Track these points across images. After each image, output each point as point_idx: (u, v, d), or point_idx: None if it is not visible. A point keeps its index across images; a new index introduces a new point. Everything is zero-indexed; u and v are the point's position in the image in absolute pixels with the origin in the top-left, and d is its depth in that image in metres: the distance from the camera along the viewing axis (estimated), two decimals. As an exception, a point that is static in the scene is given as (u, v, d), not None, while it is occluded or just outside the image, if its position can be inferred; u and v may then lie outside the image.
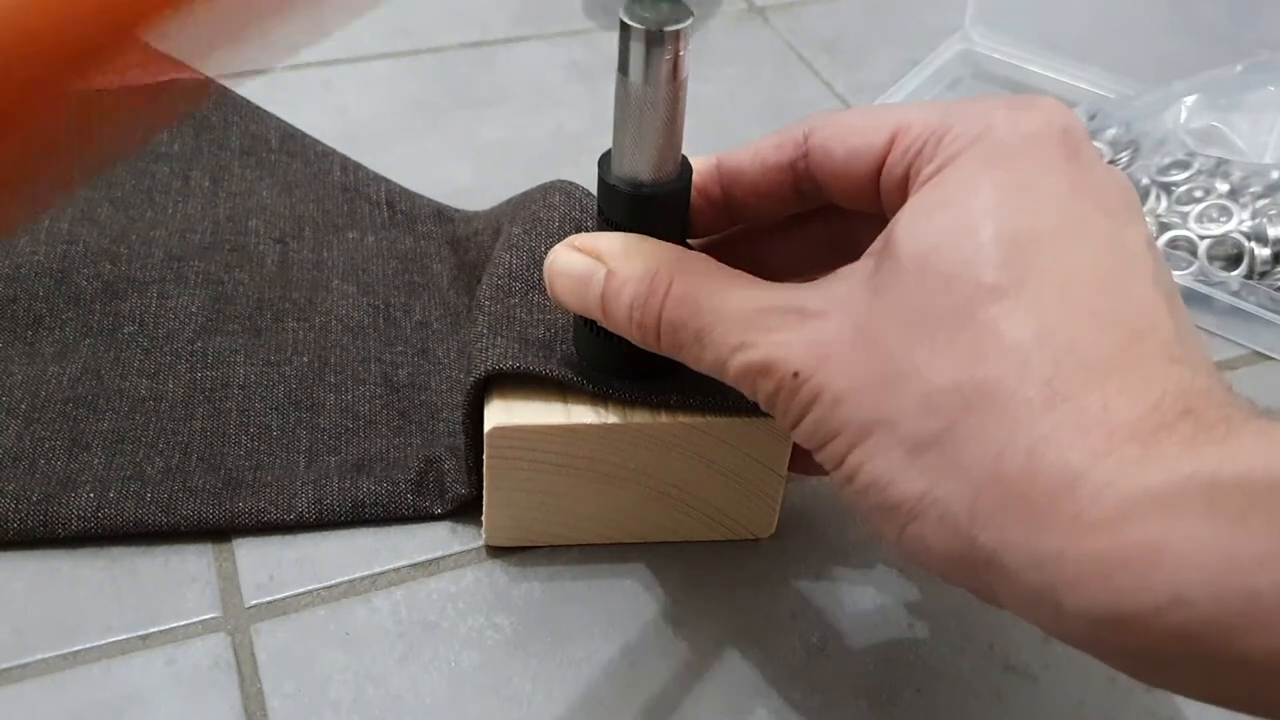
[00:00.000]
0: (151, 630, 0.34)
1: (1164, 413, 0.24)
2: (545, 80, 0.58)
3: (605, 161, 0.32)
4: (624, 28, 0.29)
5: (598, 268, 0.31)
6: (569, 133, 0.55)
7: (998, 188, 0.27)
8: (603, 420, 0.34)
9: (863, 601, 0.36)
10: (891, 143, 0.29)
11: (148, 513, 0.36)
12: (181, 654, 0.34)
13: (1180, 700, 0.34)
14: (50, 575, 0.35)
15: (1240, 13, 0.58)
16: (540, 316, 0.36)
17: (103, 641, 0.34)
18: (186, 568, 0.36)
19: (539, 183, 0.43)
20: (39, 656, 0.33)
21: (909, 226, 0.28)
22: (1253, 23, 0.57)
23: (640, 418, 0.34)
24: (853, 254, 0.30)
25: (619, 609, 0.36)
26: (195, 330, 0.41)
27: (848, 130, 0.31)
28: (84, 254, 0.43)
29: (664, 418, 0.34)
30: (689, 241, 0.34)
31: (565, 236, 0.37)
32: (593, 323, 0.32)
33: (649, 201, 0.31)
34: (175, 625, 0.34)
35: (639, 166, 0.31)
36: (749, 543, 0.37)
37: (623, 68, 0.30)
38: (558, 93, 0.57)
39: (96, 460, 0.37)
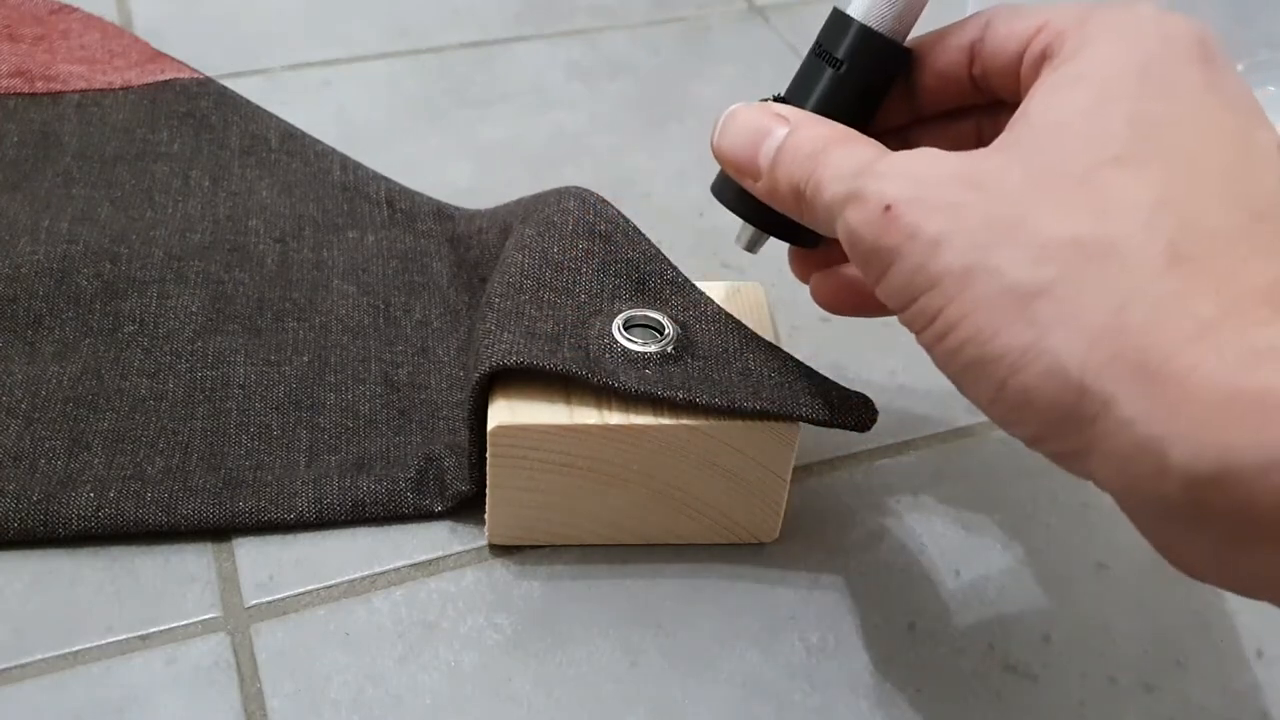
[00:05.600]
0: (151, 630, 0.34)
1: None
2: (545, 80, 0.58)
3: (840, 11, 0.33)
4: None
5: (782, 124, 0.31)
6: (569, 133, 0.54)
7: (1135, 72, 0.27)
8: (605, 421, 0.34)
9: (863, 601, 0.36)
10: (1041, 28, 0.30)
11: (148, 512, 0.36)
12: (181, 654, 0.34)
13: (1180, 701, 0.34)
14: (50, 575, 0.35)
15: (1240, 12, 0.58)
16: (549, 313, 0.36)
17: (103, 641, 0.34)
18: (186, 568, 0.36)
19: (539, 183, 0.43)
20: (39, 656, 0.33)
21: (1043, 97, 0.27)
22: (1253, 22, 0.57)
23: (643, 419, 0.34)
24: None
25: (619, 609, 0.36)
26: (195, 330, 0.41)
27: (1013, 16, 0.31)
28: (84, 254, 0.43)
29: (667, 419, 0.34)
30: None
31: (579, 240, 0.37)
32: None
33: (881, 48, 0.32)
34: (175, 625, 0.34)
35: (887, 12, 0.32)
36: (750, 544, 0.37)
37: None
38: (558, 93, 0.57)
39: (96, 460, 0.37)
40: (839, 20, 0.32)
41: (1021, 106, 0.28)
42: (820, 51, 0.32)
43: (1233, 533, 0.23)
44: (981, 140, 0.34)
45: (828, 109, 0.32)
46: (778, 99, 0.33)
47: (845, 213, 0.28)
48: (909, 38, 0.33)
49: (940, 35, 0.33)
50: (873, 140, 0.30)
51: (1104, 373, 0.24)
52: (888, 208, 0.27)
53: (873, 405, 0.35)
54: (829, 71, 0.32)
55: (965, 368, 0.26)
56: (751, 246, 0.35)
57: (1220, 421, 0.22)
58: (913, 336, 0.28)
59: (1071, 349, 0.24)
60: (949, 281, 0.26)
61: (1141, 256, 0.24)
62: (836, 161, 0.29)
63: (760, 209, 0.33)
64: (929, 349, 0.27)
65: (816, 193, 0.29)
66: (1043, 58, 0.29)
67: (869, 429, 0.35)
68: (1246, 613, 0.37)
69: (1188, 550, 0.24)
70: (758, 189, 0.32)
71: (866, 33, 0.32)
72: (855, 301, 0.35)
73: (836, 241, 0.29)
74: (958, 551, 0.38)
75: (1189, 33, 0.28)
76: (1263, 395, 0.22)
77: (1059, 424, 0.25)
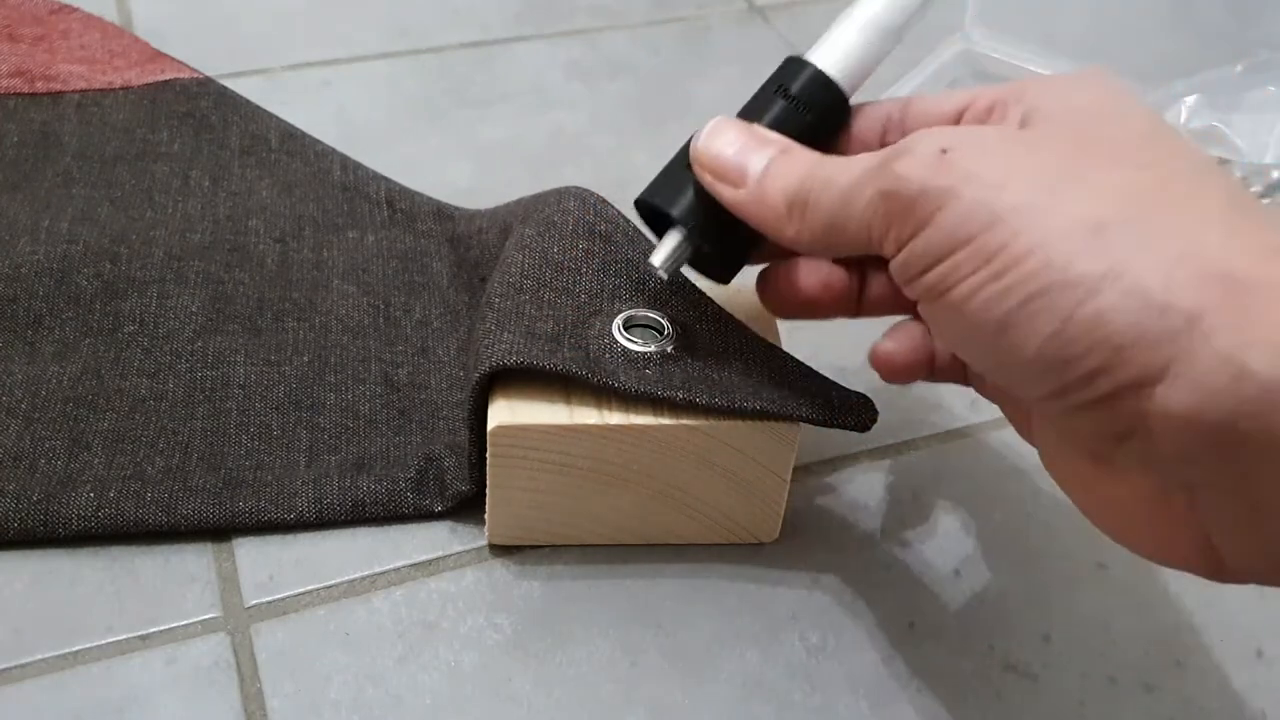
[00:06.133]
0: (151, 630, 0.34)
1: None
2: (545, 80, 0.58)
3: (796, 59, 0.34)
4: None
5: (773, 144, 0.32)
6: (569, 133, 0.54)
7: (1105, 106, 0.29)
8: (605, 421, 0.34)
9: (863, 601, 0.36)
10: (972, 100, 0.32)
11: (148, 512, 0.36)
12: (181, 654, 0.34)
13: (1180, 701, 0.34)
14: (50, 575, 0.35)
15: (1240, 12, 0.58)
16: (549, 313, 0.36)
17: (103, 641, 0.34)
18: (186, 568, 0.36)
19: (539, 183, 0.43)
20: (39, 656, 0.33)
21: (1047, 98, 0.29)
22: (1253, 22, 0.57)
23: (643, 419, 0.34)
24: None
25: (619, 609, 0.36)
26: (195, 330, 0.41)
27: (937, 95, 0.33)
28: (84, 254, 0.43)
29: (667, 419, 0.34)
30: None
31: (579, 240, 0.38)
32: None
33: (834, 92, 0.33)
34: (175, 625, 0.34)
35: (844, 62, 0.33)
36: (750, 544, 0.37)
37: None
38: (558, 93, 0.57)
39: (96, 460, 0.37)
40: (797, 64, 0.33)
41: (1028, 104, 0.29)
42: (776, 88, 0.33)
43: None
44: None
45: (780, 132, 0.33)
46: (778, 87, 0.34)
47: (893, 165, 0.27)
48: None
49: (858, 106, 0.34)
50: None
51: (1189, 287, 0.24)
52: (944, 150, 0.27)
53: (873, 405, 0.35)
54: (782, 103, 0.33)
55: (1025, 302, 0.25)
56: (674, 265, 0.34)
57: None
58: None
59: (1155, 270, 0.24)
60: (1015, 217, 0.25)
61: (1203, 201, 0.25)
62: (847, 163, 0.30)
63: (704, 217, 0.33)
64: (972, 296, 0.26)
65: (827, 186, 0.29)
66: (989, 114, 0.31)
67: (869, 429, 0.35)
68: (1246, 613, 0.37)
69: (1226, 506, 0.25)
70: (736, 195, 0.32)
71: (823, 78, 0.33)
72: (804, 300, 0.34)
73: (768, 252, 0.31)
74: (958, 551, 0.38)
75: (1122, 84, 0.30)
76: None
77: (1133, 348, 0.24)
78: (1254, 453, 0.23)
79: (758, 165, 0.31)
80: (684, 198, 0.33)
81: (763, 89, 0.34)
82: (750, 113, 0.33)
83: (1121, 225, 0.25)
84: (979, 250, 0.26)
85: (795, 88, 0.33)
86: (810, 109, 0.33)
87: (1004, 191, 0.26)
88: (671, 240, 0.34)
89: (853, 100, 0.34)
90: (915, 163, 0.27)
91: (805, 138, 0.33)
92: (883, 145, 0.33)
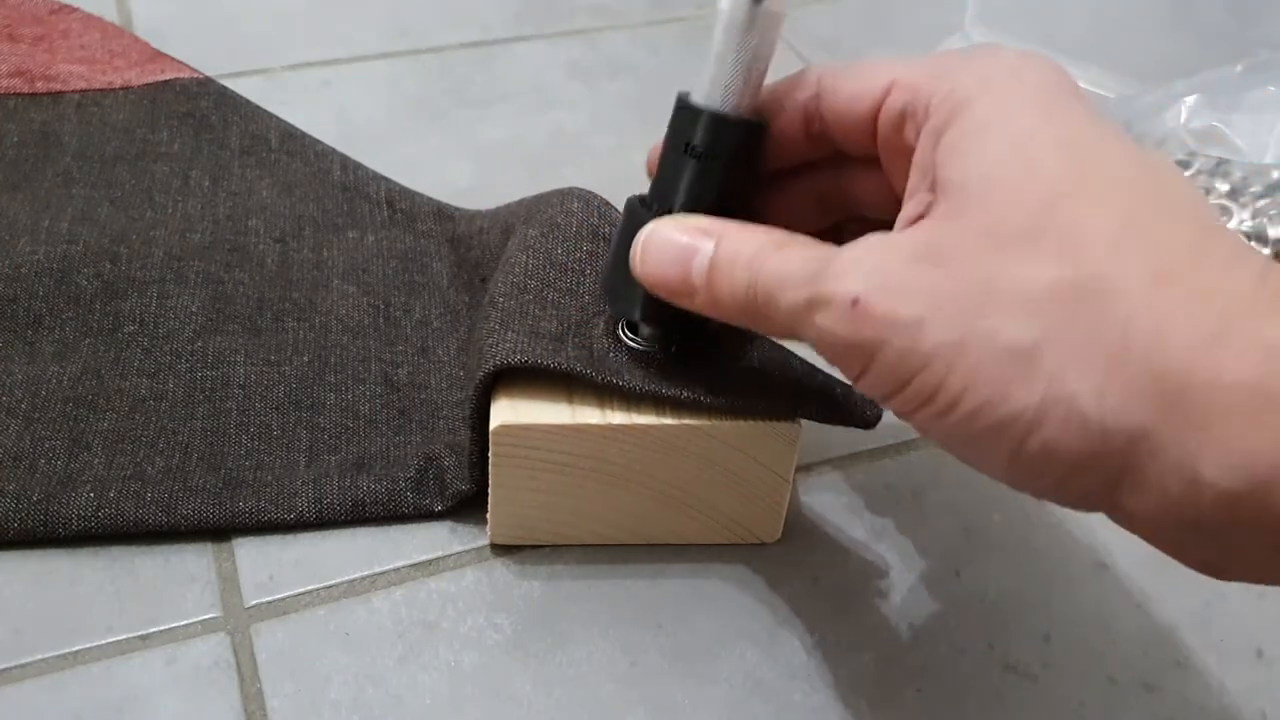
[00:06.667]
0: (151, 630, 0.34)
1: (1271, 286, 0.24)
2: (545, 80, 0.58)
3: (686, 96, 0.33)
4: None
5: (707, 238, 0.31)
6: (569, 133, 0.54)
7: (1033, 111, 0.27)
8: (607, 421, 0.34)
9: (863, 602, 0.36)
10: (889, 88, 0.30)
11: (148, 512, 0.36)
12: (181, 654, 0.34)
13: (1180, 701, 0.34)
14: (50, 575, 0.35)
15: (1240, 12, 0.58)
16: (553, 312, 0.36)
17: (103, 641, 0.34)
18: (186, 568, 0.36)
19: (539, 183, 0.43)
20: (39, 656, 0.33)
21: (958, 161, 0.27)
22: (1253, 22, 0.57)
23: (645, 419, 0.34)
24: (842, 211, 0.33)
25: (619, 609, 0.36)
26: (195, 330, 0.41)
27: (851, 75, 0.31)
28: (84, 254, 0.43)
29: (669, 419, 0.34)
30: None
31: (583, 242, 0.38)
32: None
33: (737, 130, 0.32)
34: (175, 625, 0.34)
35: (731, 98, 0.32)
36: (751, 544, 0.37)
37: None
38: (558, 93, 0.57)
39: (96, 460, 0.37)
40: (689, 113, 0.32)
41: (935, 173, 0.28)
42: (683, 147, 0.32)
43: (1274, 540, 0.23)
44: (820, 194, 0.34)
45: (703, 200, 0.32)
46: (643, 201, 0.33)
47: (815, 318, 0.27)
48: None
49: (773, 97, 0.33)
50: (808, 239, 0.29)
51: (1125, 404, 0.24)
52: (855, 302, 0.26)
53: (876, 403, 0.35)
54: (693, 163, 0.32)
55: (976, 437, 0.25)
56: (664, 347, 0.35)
57: (1246, 429, 0.22)
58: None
59: (1086, 391, 0.24)
60: (942, 357, 0.25)
61: (1127, 283, 0.24)
62: (779, 269, 0.29)
63: (667, 315, 0.33)
64: (929, 428, 0.26)
65: (770, 301, 0.29)
66: (905, 117, 0.29)
67: (874, 426, 0.35)
68: (1246, 613, 0.37)
69: (1229, 565, 0.25)
70: (697, 305, 0.31)
71: (718, 118, 0.32)
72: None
73: None
74: (958, 551, 0.38)
75: (1054, 69, 0.28)
76: None
77: (1088, 470, 0.25)
78: (1225, 540, 0.24)
79: (700, 272, 0.30)
80: (640, 302, 0.33)
81: (670, 147, 0.33)
82: (667, 184, 0.33)
83: (1049, 341, 0.24)
84: (919, 392, 0.26)
85: (698, 141, 0.32)
86: (720, 155, 0.32)
87: (926, 331, 0.25)
88: (651, 340, 0.35)
89: (760, 102, 0.33)
90: (834, 317, 0.27)
91: (730, 184, 0.32)
92: (808, 136, 0.33)
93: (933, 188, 0.27)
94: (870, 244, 0.27)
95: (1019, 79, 0.28)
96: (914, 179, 0.29)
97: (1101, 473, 0.24)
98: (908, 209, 0.28)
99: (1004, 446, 0.25)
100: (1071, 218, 0.25)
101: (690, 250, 0.31)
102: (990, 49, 0.29)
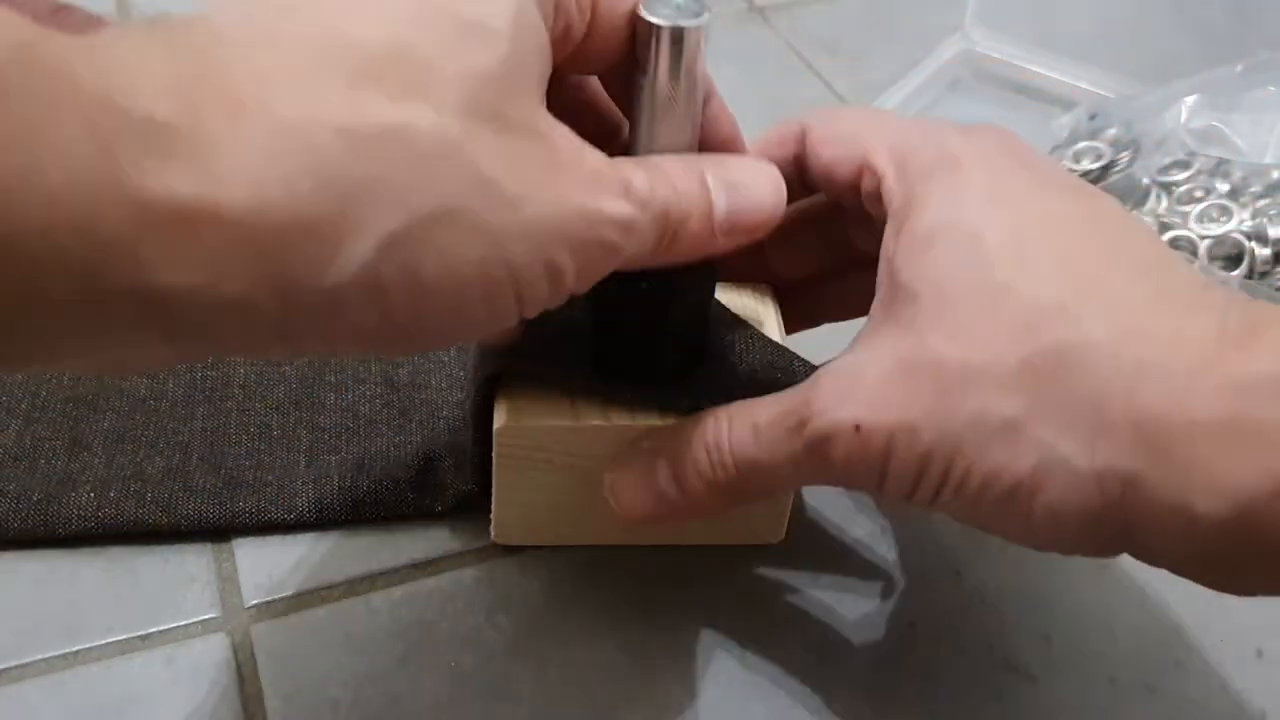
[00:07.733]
0: (151, 630, 0.34)
1: (1233, 326, 0.25)
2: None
3: None
4: (643, 24, 0.28)
5: (654, 456, 0.32)
6: (569, 132, 0.54)
7: (974, 199, 0.29)
8: (610, 422, 0.34)
9: (863, 602, 0.36)
10: (861, 167, 0.32)
11: (148, 512, 0.36)
12: (181, 654, 0.34)
13: (1180, 701, 0.34)
14: (50, 575, 0.35)
15: (1240, 12, 0.58)
16: (554, 314, 0.36)
17: (103, 641, 0.34)
18: (186, 568, 0.36)
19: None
20: (39, 656, 0.33)
21: (908, 265, 0.29)
22: (1253, 22, 0.57)
23: (648, 420, 0.34)
24: (845, 248, 0.35)
25: (619, 609, 0.36)
26: (195, 330, 0.41)
27: (830, 141, 0.33)
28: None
29: (671, 420, 0.34)
30: None
31: None
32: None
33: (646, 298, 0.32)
34: (175, 625, 0.34)
35: None
36: (753, 545, 0.37)
37: (643, 67, 0.29)
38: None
39: (97, 460, 0.37)
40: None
41: (892, 280, 0.29)
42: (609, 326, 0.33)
43: (1273, 558, 0.25)
44: (829, 241, 0.36)
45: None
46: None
47: (826, 451, 0.29)
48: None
49: (764, 150, 0.34)
50: (760, 400, 0.31)
51: (1113, 456, 0.25)
52: (857, 428, 0.28)
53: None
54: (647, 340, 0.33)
55: (992, 510, 0.28)
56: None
57: (1226, 462, 0.24)
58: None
59: (1077, 452, 0.26)
60: (942, 447, 0.27)
61: (1096, 347, 0.26)
62: (746, 435, 0.31)
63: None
64: (951, 509, 0.28)
65: (753, 471, 0.31)
66: (877, 198, 0.31)
67: None
68: (1246, 613, 0.37)
69: (1245, 583, 0.26)
70: (681, 517, 0.33)
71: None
72: None
73: None
74: (958, 551, 0.38)
75: (998, 143, 0.30)
76: (1260, 425, 0.24)
77: (1095, 524, 0.26)
78: (1232, 563, 0.26)
79: (668, 496, 0.32)
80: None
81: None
82: (628, 358, 0.33)
83: (1032, 413, 0.26)
84: (932, 482, 0.28)
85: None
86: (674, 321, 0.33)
87: (921, 434, 0.27)
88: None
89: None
90: (845, 448, 0.28)
91: (682, 337, 0.33)
92: (803, 185, 0.34)
93: (894, 287, 0.30)
94: (838, 369, 0.30)
95: (967, 165, 0.30)
96: (881, 270, 0.30)
97: (1110, 523, 0.26)
98: (875, 310, 0.30)
99: (1017, 512, 0.27)
100: (1026, 298, 0.27)
101: (653, 482, 0.32)
102: (943, 131, 0.31)
